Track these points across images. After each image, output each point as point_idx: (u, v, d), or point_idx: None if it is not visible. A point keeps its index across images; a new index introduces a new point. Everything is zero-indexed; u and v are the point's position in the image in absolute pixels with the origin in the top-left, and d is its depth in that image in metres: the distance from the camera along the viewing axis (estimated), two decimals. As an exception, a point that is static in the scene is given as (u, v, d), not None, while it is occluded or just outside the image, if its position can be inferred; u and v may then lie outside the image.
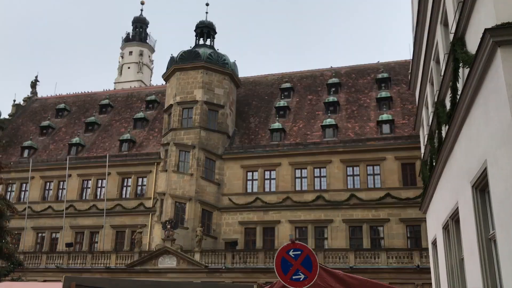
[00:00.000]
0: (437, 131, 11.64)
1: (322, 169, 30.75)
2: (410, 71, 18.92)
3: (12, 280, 20.17)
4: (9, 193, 35.04)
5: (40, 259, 30.61)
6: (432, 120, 12.34)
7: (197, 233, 27.87)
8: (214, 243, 30.14)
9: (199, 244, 27.70)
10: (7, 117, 42.26)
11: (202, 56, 33.54)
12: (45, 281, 27.13)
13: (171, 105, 33.43)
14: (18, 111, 43.37)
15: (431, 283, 15.25)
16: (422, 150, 17.20)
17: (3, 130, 40.38)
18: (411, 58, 17.26)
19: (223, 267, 27.05)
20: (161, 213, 30.81)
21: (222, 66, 34.14)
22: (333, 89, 35.77)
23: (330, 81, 36.36)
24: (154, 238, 30.86)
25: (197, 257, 27.52)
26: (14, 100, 44.74)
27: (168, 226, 28.26)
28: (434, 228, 13.83)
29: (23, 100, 44.92)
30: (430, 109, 13.43)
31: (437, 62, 12.01)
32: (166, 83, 36.24)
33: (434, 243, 13.73)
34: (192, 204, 30.22)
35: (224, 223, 31.06)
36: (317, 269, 5.93)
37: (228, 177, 32.02)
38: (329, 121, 31.93)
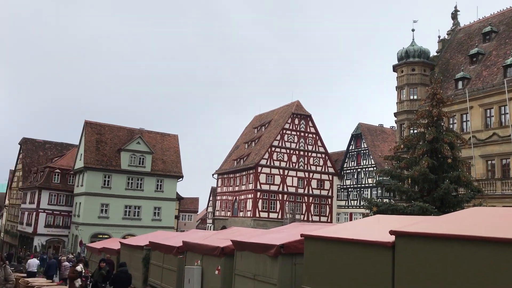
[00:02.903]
0: None
1: None
2: None
3: (474, 206, 21.07)
4: (451, 125, 36.57)
5: (495, 185, 30.65)
6: None
7: None
8: None
9: None
10: (435, 54, 44.00)
11: None
12: (504, 206, 27.07)
13: None
14: (444, 46, 44.42)
15: None
16: None
17: (436, 67, 42.28)
18: None
19: None
20: None
21: None
22: None
23: None
24: None
25: None
26: (439, 36, 45.80)
27: None
28: None
29: (447, 34, 45.48)
30: None
31: None
32: None
33: None
34: None
35: None
36: None
37: None
38: None
